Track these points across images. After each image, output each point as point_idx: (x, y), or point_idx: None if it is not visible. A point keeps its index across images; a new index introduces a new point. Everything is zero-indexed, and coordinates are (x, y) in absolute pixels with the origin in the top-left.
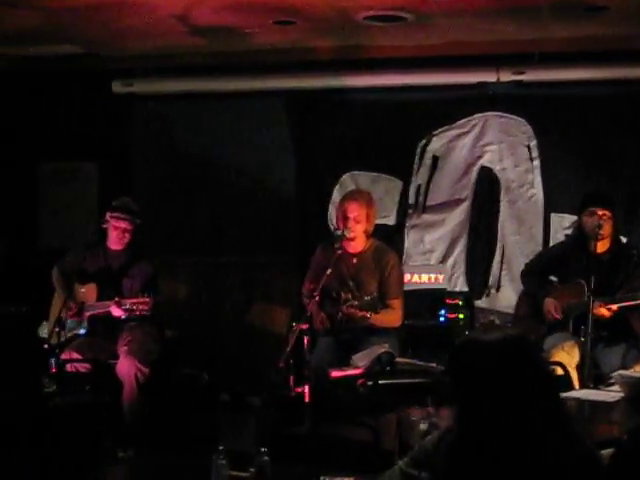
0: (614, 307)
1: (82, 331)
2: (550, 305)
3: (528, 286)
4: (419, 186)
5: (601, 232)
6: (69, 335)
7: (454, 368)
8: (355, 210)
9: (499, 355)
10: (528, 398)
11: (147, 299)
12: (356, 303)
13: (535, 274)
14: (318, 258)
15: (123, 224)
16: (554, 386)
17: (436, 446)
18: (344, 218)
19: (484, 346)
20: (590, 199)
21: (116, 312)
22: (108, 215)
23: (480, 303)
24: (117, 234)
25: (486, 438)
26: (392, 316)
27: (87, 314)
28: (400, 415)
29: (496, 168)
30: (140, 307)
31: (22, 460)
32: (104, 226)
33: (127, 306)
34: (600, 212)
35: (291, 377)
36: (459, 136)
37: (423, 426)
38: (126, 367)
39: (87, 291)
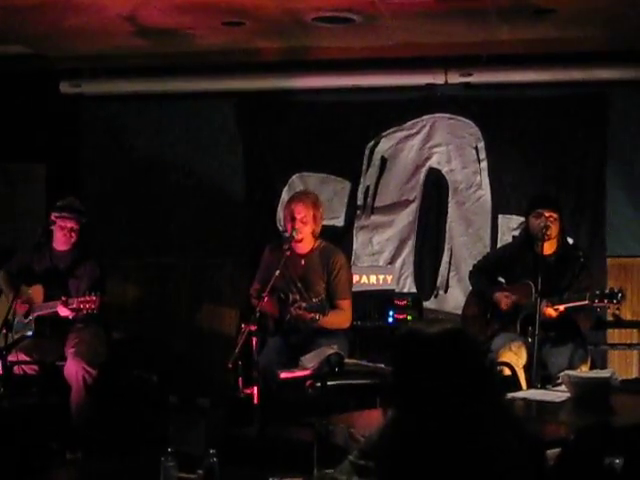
0: (561, 308)
1: (29, 332)
2: (500, 297)
3: (477, 286)
4: (367, 187)
5: (547, 233)
6: (16, 337)
7: (395, 358)
8: (302, 211)
9: (439, 347)
10: (467, 391)
11: (94, 297)
12: (304, 305)
13: (483, 274)
14: (267, 259)
15: (69, 223)
16: (493, 379)
17: (380, 437)
18: (291, 219)
19: (425, 338)
20: (537, 201)
21: (63, 312)
22: (54, 215)
23: (428, 304)
24: (63, 234)
25: (422, 430)
26: (341, 317)
27: (34, 315)
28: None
29: (444, 169)
30: (87, 305)
31: None
32: (51, 227)
33: (74, 305)
34: (547, 214)
35: (240, 378)
36: (407, 137)
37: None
38: (73, 369)
39: (34, 292)
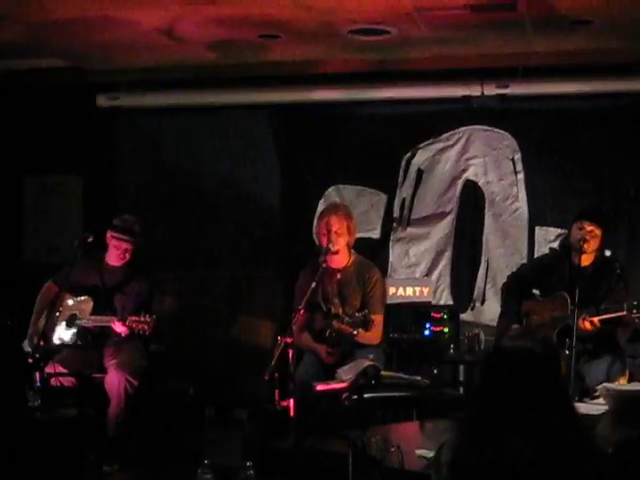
0: (596, 320)
1: (70, 340)
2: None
3: (503, 304)
4: (404, 199)
5: (584, 246)
6: (56, 343)
7: (482, 372)
8: (336, 223)
9: (526, 366)
10: (543, 405)
11: (149, 319)
12: (347, 319)
13: (515, 291)
14: (302, 281)
15: (124, 244)
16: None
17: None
18: (327, 232)
19: (513, 355)
20: (583, 212)
21: (119, 328)
22: (109, 234)
23: (465, 316)
24: (118, 253)
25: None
26: (373, 333)
27: (82, 325)
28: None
29: (480, 181)
30: (141, 326)
31: (6, 475)
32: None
33: (130, 324)
34: (588, 228)
35: (276, 391)
36: (444, 149)
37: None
38: (116, 380)
39: (83, 303)
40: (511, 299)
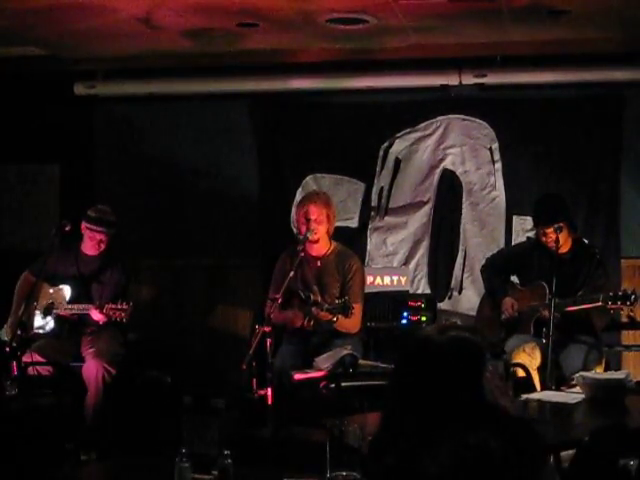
0: (572, 309)
1: (48, 329)
2: (507, 303)
3: (488, 282)
4: (382, 188)
5: (555, 246)
6: (33, 332)
7: (398, 360)
8: (315, 212)
9: (447, 357)
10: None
11: (126, 306)
12: (326, 306)
13: (496, 270)
14: (282, 265)
15: (98, 236)
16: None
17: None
18: (306, 220)
19: (434, 346)
20: (538, 219)
21: (96, 316)
22: (84, 225)
23: (442, 305)
24: (93, 244)
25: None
26: (352, 322)
27: (58, 313)
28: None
29: (458, 171)
30: (118, 313)
31: None
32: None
33: (107, 312)
34: (549, 230)
35: (254, 379)
36: (421, 139)
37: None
38: (94, 368)
39: (60, 292)
40: (494, 276)
